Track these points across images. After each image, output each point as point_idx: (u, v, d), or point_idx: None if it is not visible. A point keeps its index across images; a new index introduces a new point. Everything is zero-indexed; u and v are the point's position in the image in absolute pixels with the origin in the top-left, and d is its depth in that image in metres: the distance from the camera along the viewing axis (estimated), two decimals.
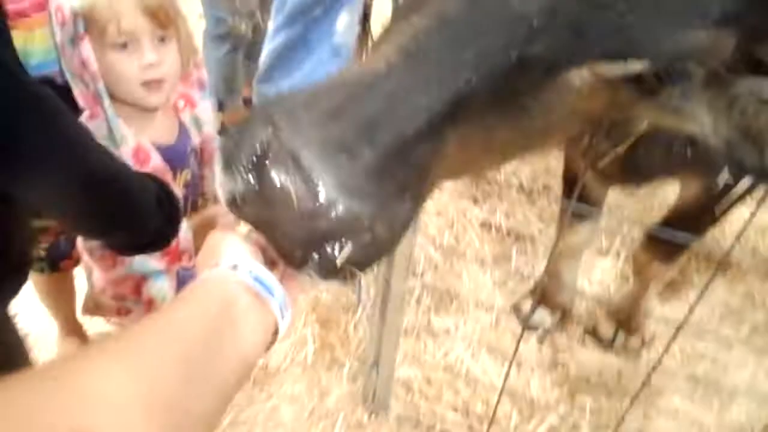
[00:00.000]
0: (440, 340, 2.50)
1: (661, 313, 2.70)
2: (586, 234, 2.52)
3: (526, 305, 2.66)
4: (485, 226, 3.14)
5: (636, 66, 0.74)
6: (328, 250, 0.71)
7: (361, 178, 0.68)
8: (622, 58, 0.73)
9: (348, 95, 0.71)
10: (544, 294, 2.60)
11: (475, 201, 3.25)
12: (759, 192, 1.82)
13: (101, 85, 1.49)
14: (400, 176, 0.72)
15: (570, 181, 2.41)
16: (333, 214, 0.68)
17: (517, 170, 3.43)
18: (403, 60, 0.72)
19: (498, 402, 1.92)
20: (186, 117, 1.72)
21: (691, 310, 1.51)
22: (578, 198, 2.29)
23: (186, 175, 1.68)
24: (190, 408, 0.62)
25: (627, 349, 2.54)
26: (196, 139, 1.73)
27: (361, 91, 0.71)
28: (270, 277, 0.75)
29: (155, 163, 1.59)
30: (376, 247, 0.73)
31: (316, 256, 0.72)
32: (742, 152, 0.90)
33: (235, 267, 0.74)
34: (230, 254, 0.76)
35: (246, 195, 0.70)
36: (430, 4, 0.76)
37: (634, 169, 1.92)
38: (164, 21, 1.51)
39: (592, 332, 2.62)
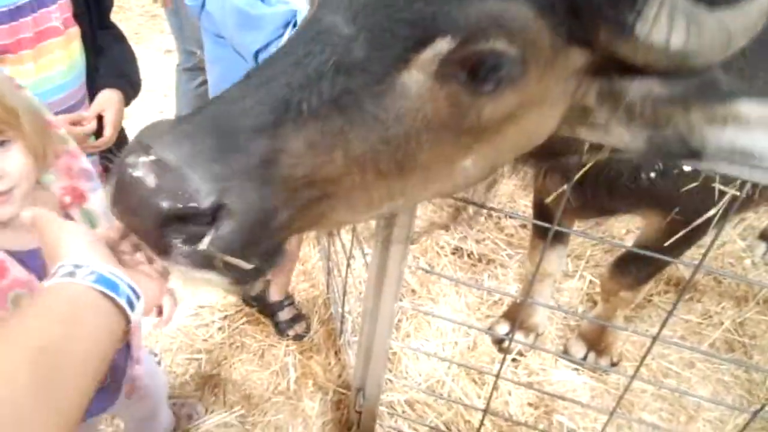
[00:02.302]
0: (422, 364, 2.56)
1: (627, 333, 2.84)
2: (556, 259, 2.65)
3: (500, 328, 2.75)
4: (457, 252, 3.24)
5: (444, 45, 0.84)
6: (191, 232, 0.77)
7: (202, 162, 0.76)
8: (430, 39, 0.84)
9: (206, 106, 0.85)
10: (516, 317, 2.70)
11: (447, 229, 3.35)
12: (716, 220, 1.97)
13: None
14: (244, 163, 0.79)
15: (539, 209, 2.53)
16: (184, 189, 0.75)
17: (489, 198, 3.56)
18: (254, 79, 0.86)
19: (482, 423, 2.00)
20: (75, 214, 1.44)
21: (657, 335, 1.62)
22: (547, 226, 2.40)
23: None
24: (49, 397, 0.71)
25: (598, 368, 2.65)
26: None
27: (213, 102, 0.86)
28: (112, 273, 0.82)
29: (16, 276, 1.30)
30: (237, 228, 0.79)
31: (179, 243, 0.77)
32: (666, 145, 0.99)
33: (74, 271, 0.80)
34: (71, 253, 0.82)
35: (116, 191, 0.78)
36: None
37: (589, 207, 1.96)
38: None
39: (564, 353, 2.73)
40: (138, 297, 0.84)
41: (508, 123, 0.97)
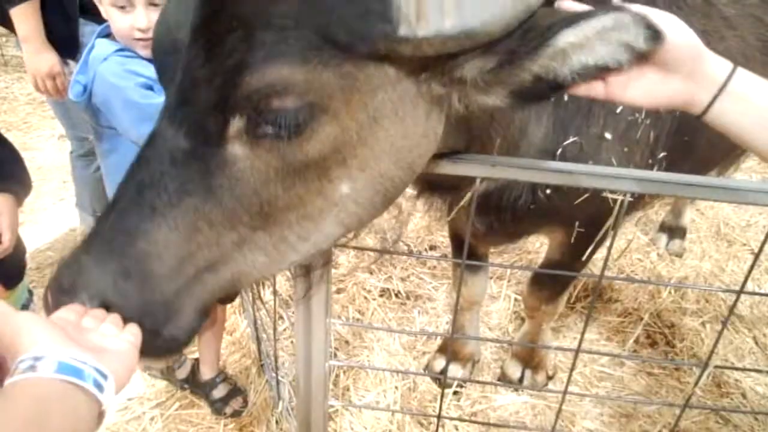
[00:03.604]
0: (365, 417, 2.53)
1: (558, 344, 2.93)
2: (480, 285, 2.71)
3: (437, 363, 2.76)
4: (385, 293, 3.26)
5: (237, 122, 0.98)
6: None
7: (85, 279, 1.00)
8: (226, 120, 0.97)
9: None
10: (451, 349, 2.73)
11: (371, 272, 3.37)
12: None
13: None
14: (120, 265, 1.00)
15: (456, 240, 2.60)
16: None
17: (402, 235, 3.62)
18: (116, 196, 1.06)
19: None
20: None
21: (578, 348, 1.68)
22: (468, 254, 2.46)
23: None
24: None
25: (536, 385, 2.71)
26: None
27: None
28: (74, 358, 0.83)
29: None
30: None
31: None
32: (528, 91, 1.01)
33: (34, 364, 0.80)
34: (30, 344, 0.83)
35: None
36: None
37: (497, 233, 2.02)
38: None
39: (502, 376, 2.78)
40: (106, 377, 0.84)
41: (355, 145, 1.03)
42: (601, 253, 2.16)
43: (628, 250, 3.54)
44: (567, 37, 0.94)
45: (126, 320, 1.00)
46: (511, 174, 1.38)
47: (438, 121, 1.12)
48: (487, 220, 1.91)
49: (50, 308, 1.00)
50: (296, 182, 1.03)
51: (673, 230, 3.66)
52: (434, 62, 1.00)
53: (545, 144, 1.56)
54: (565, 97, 1.58)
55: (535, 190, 1.74)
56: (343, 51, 0.93)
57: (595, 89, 1.06)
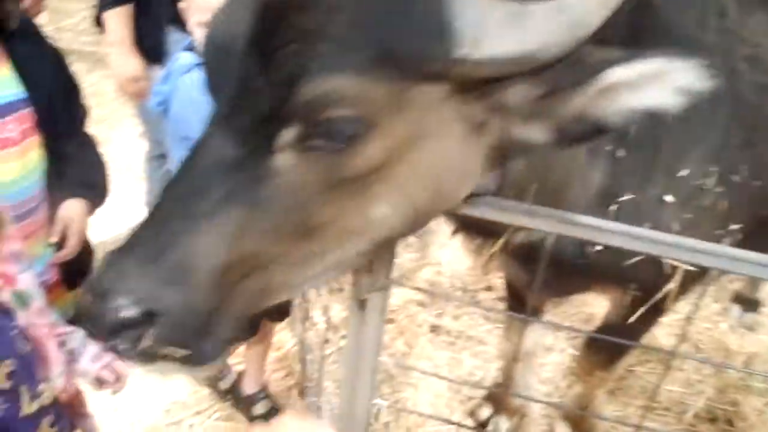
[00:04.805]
0: None
1: (612, 410, 2.78)
2: (535, 337, 2.61)
3: (483, 411, 2.68)
4: (435, 330, 3.19)
5: (290, 131, 0.96)
6: (132, 336, 0.96)
7: (122, 284, 0.96)
8: (278, 129, 0.97)
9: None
10: (499, 399, 2.64)
11: (423, 305, 3.32)
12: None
13: None
14: (161, 272, 0.97)
15: (510, 287, 2.52)
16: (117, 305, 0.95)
17: (457, 273, 3.55)
18: (159, 199, 1.04)
19: None
20: (6, 296, 1.43)
21: (644, 415, 1.58)
22: (521, 303, 2.37)
23: (7, 366, 1.34)
24: None
25: None
26: (21, 320, 1.44)
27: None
28: None
29: None
30: (167, 325, 0.97)
31: (124, 346, 0.97)
32: (569, 130, 1.02)
33: None
34: None
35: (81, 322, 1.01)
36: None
37: (547, 287, 1.82)
38: None
39: None
40: None
41: (396, 163, 1.03)
42: (668, 317, 2.03)
43: (697, 318, 3.35)
44: (618, 73, 0.95)
45: (164, 330, 0.97)
46: (544, 226, 1.28)
47: (475, 151, 1.11)
48: (529, 273, 1.82)
49: (86, 311, 0.97)
50: (339, 197, 1.03)
51: (748, 302, 3.45)
52: (482, 85, 1.01)
53: (598, 199, 1.49)
54: (621, 153, 1.51)
55: (584, 245, 1.65)
56: (398, 68, 0.95)
57: None
